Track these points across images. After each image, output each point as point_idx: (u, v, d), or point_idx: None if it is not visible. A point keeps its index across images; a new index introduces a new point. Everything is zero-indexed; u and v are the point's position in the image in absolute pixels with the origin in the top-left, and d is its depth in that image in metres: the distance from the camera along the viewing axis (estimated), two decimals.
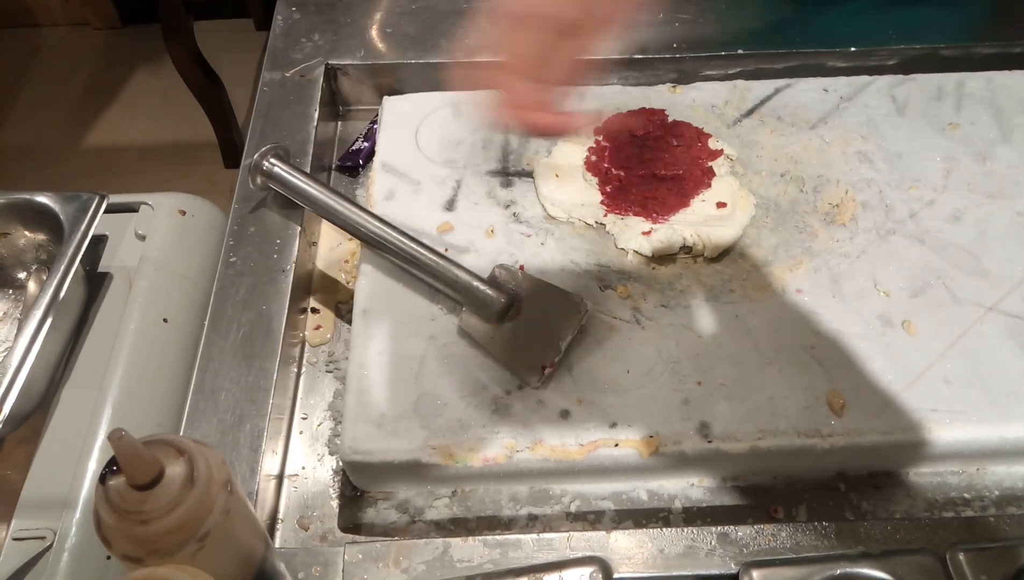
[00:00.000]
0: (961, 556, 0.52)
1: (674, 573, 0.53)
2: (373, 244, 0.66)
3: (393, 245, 0.65)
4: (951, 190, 0.72)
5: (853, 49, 0.83)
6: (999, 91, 0.79)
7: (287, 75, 0.82)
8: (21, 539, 0.59)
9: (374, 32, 0.86)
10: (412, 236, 0.65)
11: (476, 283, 0.63)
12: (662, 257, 0.68)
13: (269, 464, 0.60)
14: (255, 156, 0.69)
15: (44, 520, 0.60)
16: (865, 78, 0.80)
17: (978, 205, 0.71)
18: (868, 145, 0.75)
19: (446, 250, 0.67)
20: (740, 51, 0.82)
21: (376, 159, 0.76)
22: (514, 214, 0.72)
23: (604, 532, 0.55)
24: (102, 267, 0.76)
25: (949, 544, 0.53)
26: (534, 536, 0.54)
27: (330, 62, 0.83)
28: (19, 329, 0.63)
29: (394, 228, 0.65)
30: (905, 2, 0.86)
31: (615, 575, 0.52)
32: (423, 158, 0.76)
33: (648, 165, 0.72)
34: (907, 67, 0.82)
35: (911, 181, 0.73)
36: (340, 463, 0.62)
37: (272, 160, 0.69)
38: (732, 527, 0.54)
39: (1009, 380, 0.60)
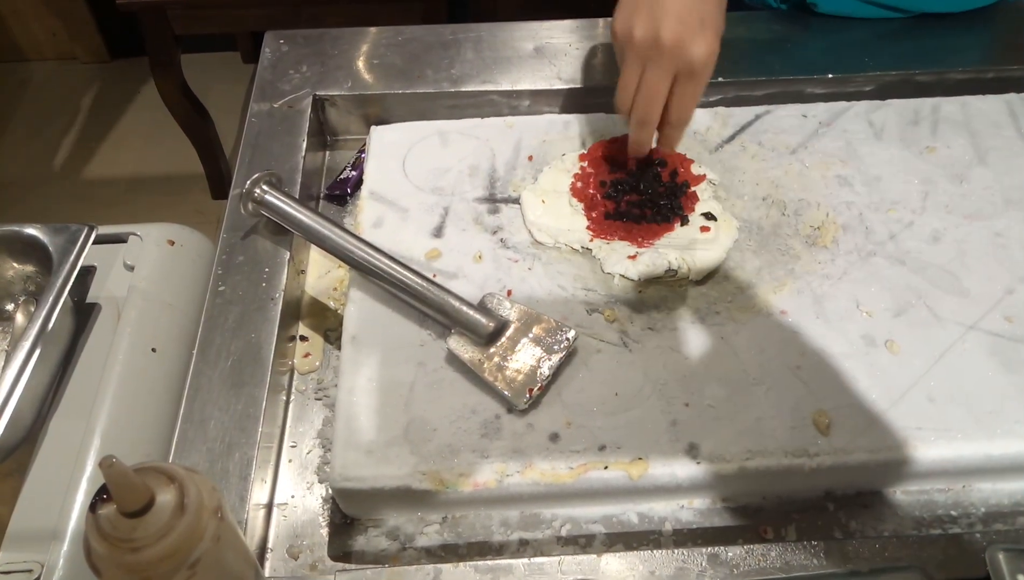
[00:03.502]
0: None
1: None
2: (363, 270, 0.67)
3: (383, 271, 0.65)
4: (929, 212, 0.73)
5: (831, 76, 0.85)
6: (974, 115, 0.81)
7: (275, 106, 0.83)
8: (8, 572, 0.58)
9: (361, 63, 0.87)
10: (402, 262, 0.66)
11: (465, 308, 0.63)
12: (648, 281, 0.69)
13: (258, 493, 0.60)
14: (247, 183, 0.70)
15: (31, 553, 0.59)
16: (843, 104, 0.82)
17: (956, 226, 0.72)
18: (847, 169, 0.77)
19: (434, 276, 0.68)
20: (720, 79, 0.84)
21: (364, 187, 0.77)
22: (501, 240, 0.73)
23: (595, 555, 0.55)
24: (90, 298, 0.76)
25: (936, 560, 0.53)
26: (525, 561, 0.54)
27: (318, 93, 0.84)
28: (7, 361, 0.63)
29: (384, 254, 0.66)
30: (917, 30, 0.88)
31: None
32: (411, 186, 0.77)
33: (632, 190, 0.73)
34: (884, 92, 0.84)
35: (890, 203, 0.74)
36: (329, 491, 0.62)
37: (264, 187, 0.70)
38: (722, 548, 0.54)
39: (992, 397, 0.61)
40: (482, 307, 0.65)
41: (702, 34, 0.61)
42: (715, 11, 0.63)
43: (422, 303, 0.65)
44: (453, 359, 0.64)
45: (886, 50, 0.87)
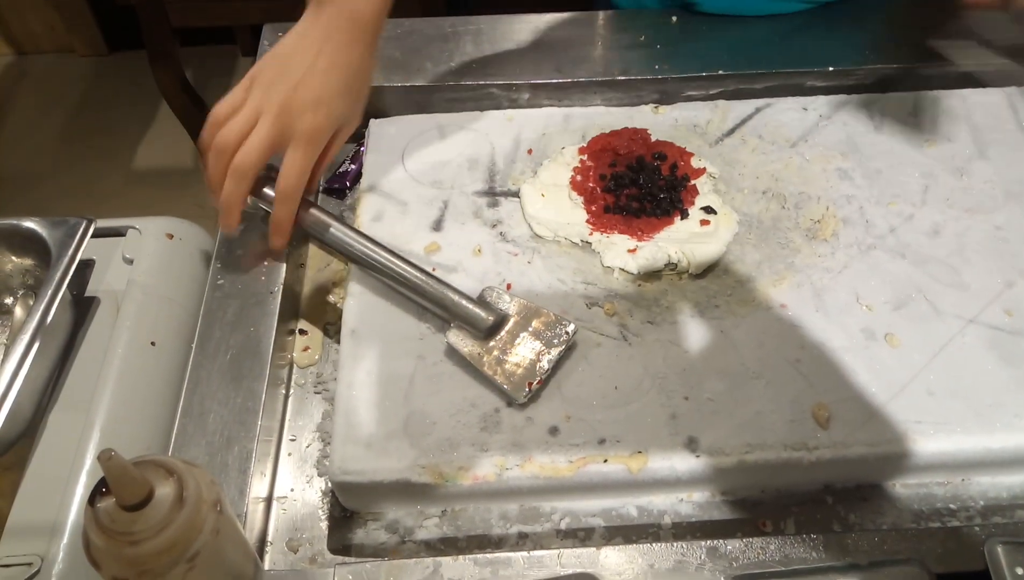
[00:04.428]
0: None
1: None
2: (362, 264, 0.66)
3: (382, 265, 0.65)
4: (930, 205, 0.73)
5: (832, 68, 0.84)
6: (974, 108, 0.80)
7: None
8: (7, 566, 0.58)
9: None
10: (401, 256, 0.66)
11: (465, 302, 0.63)
12: (647, 274, 0.69)
13: (257, 487, 0.60)
14: None
15: (31, 546, 0.59)
16: (843, 97, 0.82)
17: (957, 219, 0.72)
18: (847, 162, 0.76)
19: (434, 270, 0.68)
20: (721, 72, 0.84)
21: (363, 181, 0.77)
22: (501, 233, 0.73)
23: (594, 548, 0.55)
24: (89, 291, 0.76)
25: (935, 553, 0.53)
26: (524, 554, 0.54)
27: None
28: (6, 354, 0.63)
29: (383, 247, 0.66)
30: (916, 24, 0.88)
31: None
32: (410, 179, 0.77)
33: (632, 184, 0.73)
34: (884, 85, 0.84)
35: (890, 197, 0.74)
36: (329, 484, 0.62)
37: (262, 180, 0.69)
38: (721, 541, 0.54)
39: (991, 390, 0.61)
40: (481, 301, 0.64)
41: (313, 110, 0.64)
42: (335, 97, 0.66)
43: (421, 297, 0.65)
44: (452, 353, 0.64)
45: (887, 43, 0.87)
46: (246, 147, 0.63)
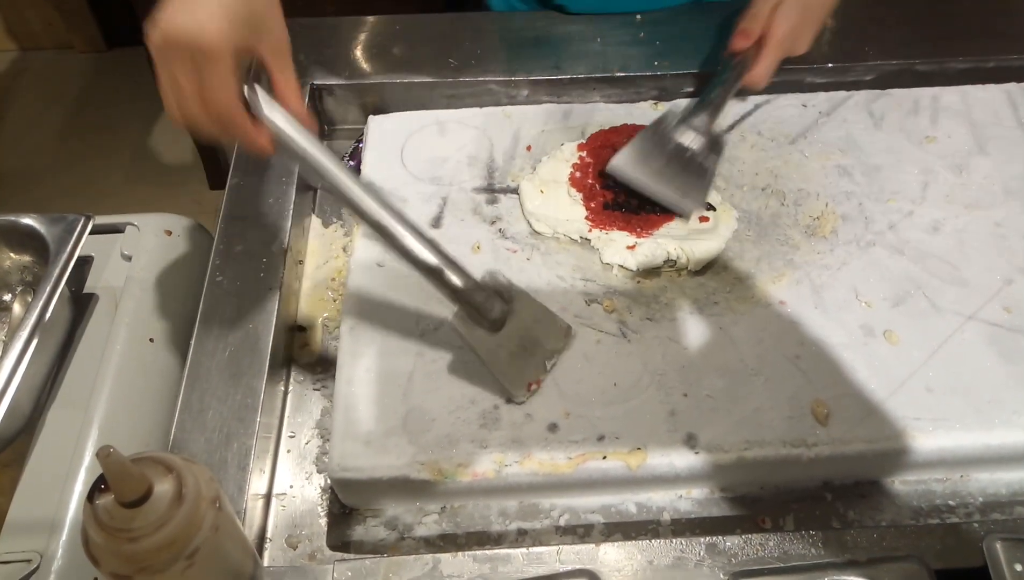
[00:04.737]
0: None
1: None
2: (369, 224, 0.56)
3: (390, 232, 0.55)
4: (929, 202, 0.73)
5: (831, 65, 0.84)
6: (974, 104, 0.80)
7: None
8: (7, 562, 0.58)
9: (359, 52, 0.87)
10: (415, 225, 0.56)
11: (474, 290, 0.58)
12: (647, 271, 0.69)
13: (257, 483, 0.60)
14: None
15: (30, 542, 0.59)
16: (843, 93, 0.82)
17: (956, 216, 0.72)
18: (847, 159, 0.76)
19: None
20: (719, 68, 0.84)
21: (362, 177, 0.77)
22: (500, 230, 0.72)
23: (593, 545, 0.55)
24: (88, 288, 0.76)
25: (934, 550, 0.53)
26: (523, 550, 0.54)
27: (315, 82, 0.84)
28: (4, 351, 0.63)
29: (397, 212, 0.56)
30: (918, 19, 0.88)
31: None
32: (409, 176, 0.76)
33: None
34: (883, 82, 0.84)
35: (890, 193, 0.74)
36: (328, 481, 0.62)
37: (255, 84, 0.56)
38: (720, 537, 0.54)
39: (990, 387, 0.61)
40: (488, 289, 0.60)
41: (209, 20, 0.53)
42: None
43: (429, 274, 0.56)
44: (452, 349, 0.63)
45: (886, 40, 0.87)
46: (211, 109, 0.53)
